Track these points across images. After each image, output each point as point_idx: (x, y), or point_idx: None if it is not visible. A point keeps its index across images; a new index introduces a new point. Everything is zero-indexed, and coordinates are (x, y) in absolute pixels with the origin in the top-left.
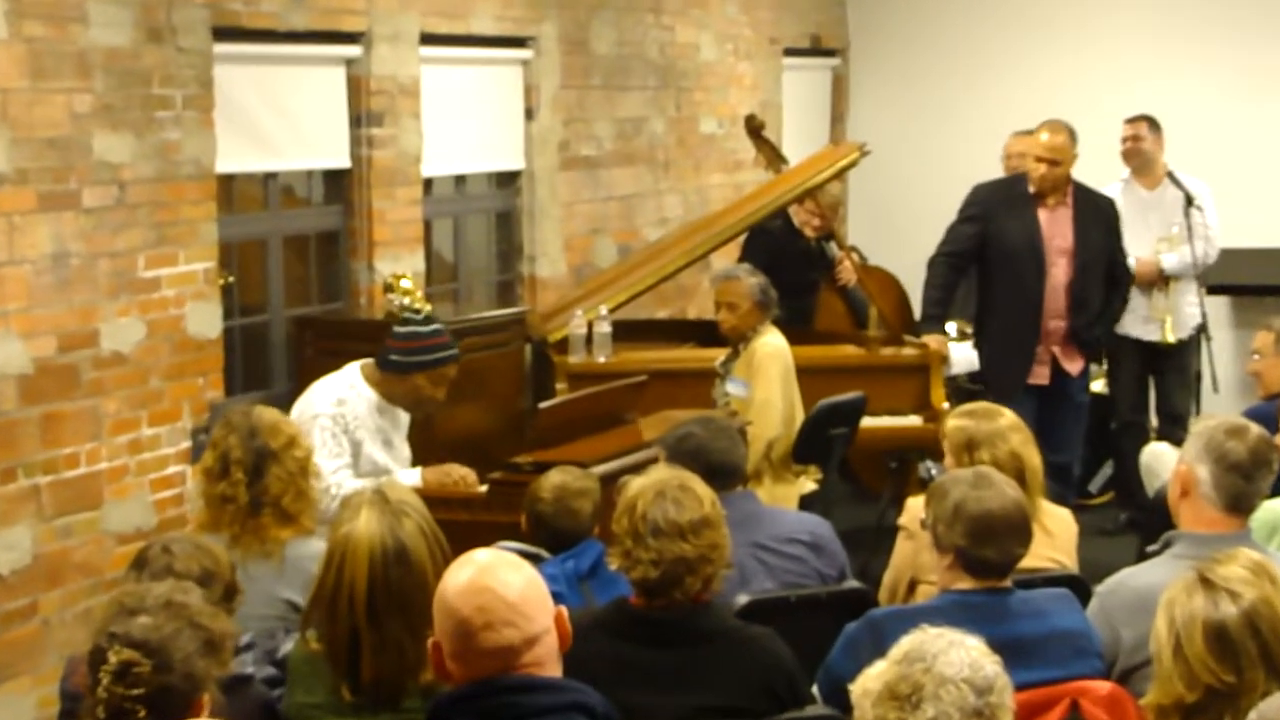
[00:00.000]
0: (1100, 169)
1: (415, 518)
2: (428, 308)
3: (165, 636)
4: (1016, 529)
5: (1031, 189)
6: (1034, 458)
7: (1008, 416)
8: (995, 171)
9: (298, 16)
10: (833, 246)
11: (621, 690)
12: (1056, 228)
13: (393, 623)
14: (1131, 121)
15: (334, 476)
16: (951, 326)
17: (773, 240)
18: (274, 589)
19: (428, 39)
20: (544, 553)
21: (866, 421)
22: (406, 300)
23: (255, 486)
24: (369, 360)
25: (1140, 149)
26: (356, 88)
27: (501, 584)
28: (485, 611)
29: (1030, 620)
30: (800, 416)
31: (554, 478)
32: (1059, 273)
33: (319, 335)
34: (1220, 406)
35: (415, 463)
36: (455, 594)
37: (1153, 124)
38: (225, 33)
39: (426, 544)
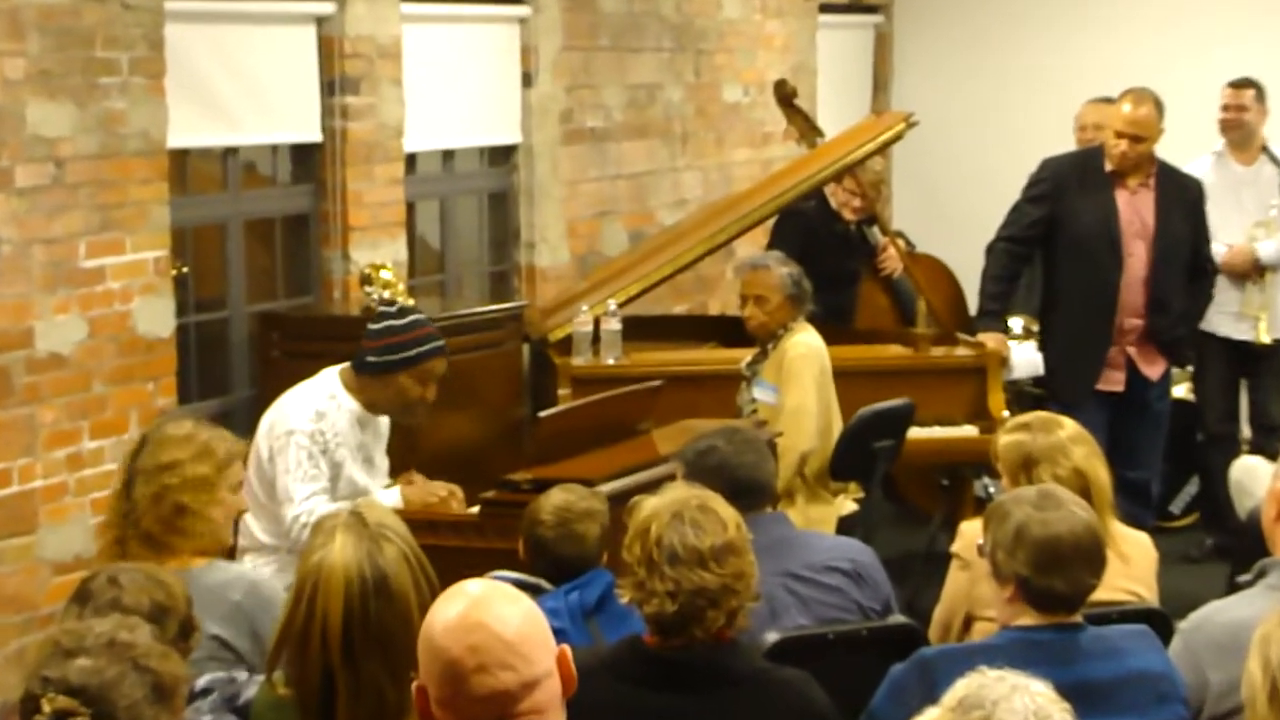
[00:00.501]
0: (1185, 141)
1: (398, 543)
2: (410, 301)
3: (107, 681)
4: (1088, 556)
5: (1110, 167)
6: (1101, 473)
7: (1069, 427)
8: (1063, 144)
9: None
10: (875, 231)
11: None
12: (1136, 212)
13: (372, 663)
14: (1235, 87)
15: (306, 503)
16: (1016, 323)
17: (807, 224)
18: None
19: None
20: (544, 584)
21: (914, 432)
22: (386, 294)
23: (126, 504)
24: (348, 365)
25: (1243, 120)
26: (329, 50)
27: (497, 619)
28: (478, 652)
29: (1104, 661)
30: (838, 426)
31: (556, 497)
32: (1137, 263)
33: (286, 335)
34: None
35: (393, 480)
36: (444, 631)
37: (1259, 92)
38: None
39: (411, 573)
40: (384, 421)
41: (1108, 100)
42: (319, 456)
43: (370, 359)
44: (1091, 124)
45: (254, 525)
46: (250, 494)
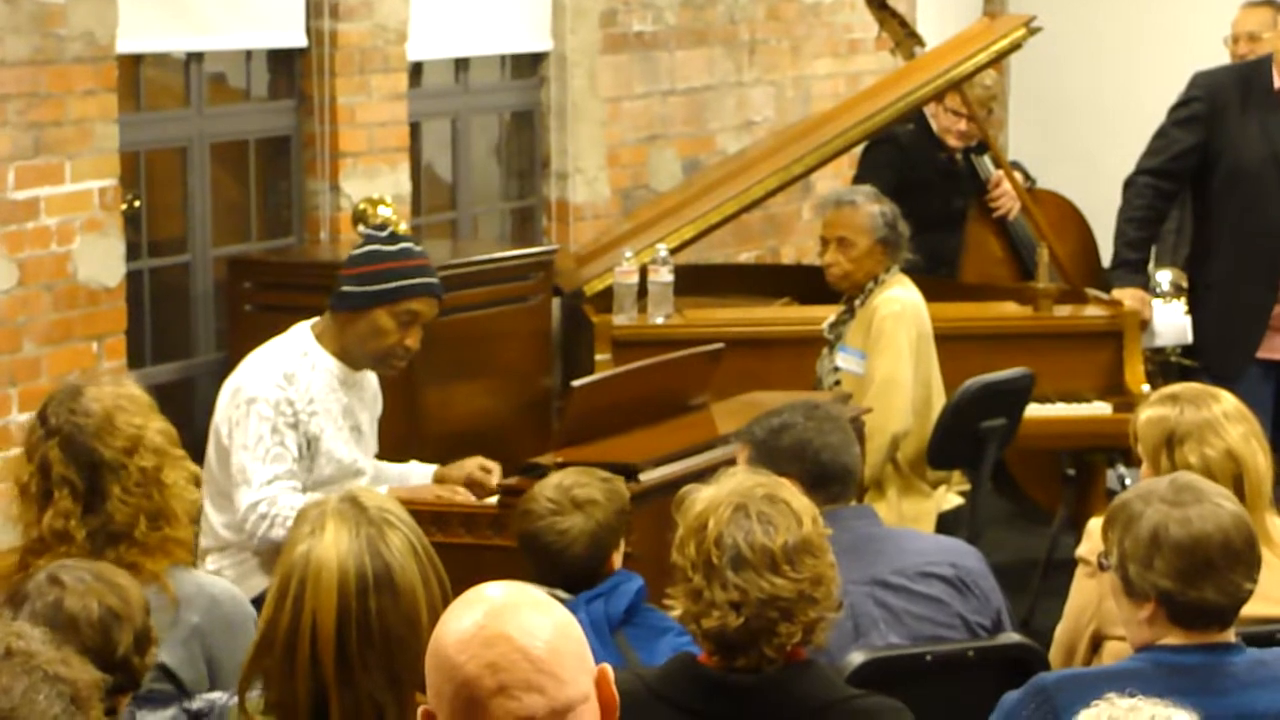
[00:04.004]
0: None
1: (404, 530)
2: (408, 231)
3: (17, 702)
4: (1241, 555)
5: (1278, 83)
6: (1260, 461)
7: (1225, 401)
8: (1217, 56)
9: None
10: (986, 162)
11: None
12: None
13: (372, 676)
14: None
15: (267, 489)
16: (1163, 277)
17: (902, 153)
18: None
19: None
20: (560, 594)
21: (1033, 410)
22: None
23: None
24: (322, 317)
25: None
26: None
27: (523, 631)
28: (499, 670)
29: (1265, 691)
30: (940, 402)
31: (556, 478)
32: None
33: (262, 284)
34: None
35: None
36: (458, 645)
37: None
38: None
39: (419, 566)
40: (373, 382)
41: (1272, 4)
42: (285, 431)
43: (345, 288)
44: (1245, 33)
45: (215, 519)
46: (210, 480)
